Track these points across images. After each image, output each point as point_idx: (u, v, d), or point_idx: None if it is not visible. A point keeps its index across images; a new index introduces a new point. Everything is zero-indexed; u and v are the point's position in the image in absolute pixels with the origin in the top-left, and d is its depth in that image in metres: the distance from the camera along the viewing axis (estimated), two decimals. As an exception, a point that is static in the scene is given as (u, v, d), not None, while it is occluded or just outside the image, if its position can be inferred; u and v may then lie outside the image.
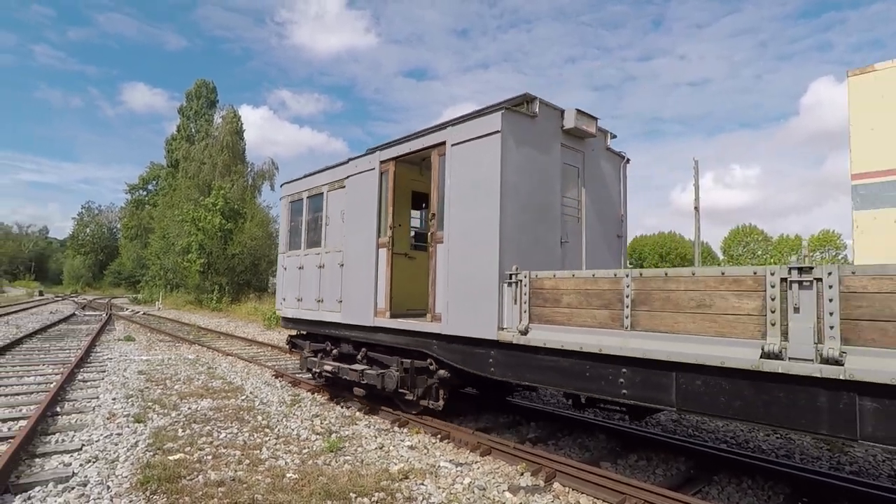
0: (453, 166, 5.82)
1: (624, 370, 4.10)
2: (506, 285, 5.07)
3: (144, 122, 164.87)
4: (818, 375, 3.06)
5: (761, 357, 3.29)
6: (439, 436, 5.99)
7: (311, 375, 8.61)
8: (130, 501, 3.95)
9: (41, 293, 56.91)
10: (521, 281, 4.93)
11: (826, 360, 3.05)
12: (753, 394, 3.40)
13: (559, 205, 5.97)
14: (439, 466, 5.01)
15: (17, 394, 7.45)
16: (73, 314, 25.04)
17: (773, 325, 3.29)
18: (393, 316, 6.60)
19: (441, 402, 6.27)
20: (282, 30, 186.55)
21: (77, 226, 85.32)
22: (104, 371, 9.51)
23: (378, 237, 6.86)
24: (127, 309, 33.35)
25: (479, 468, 5.05)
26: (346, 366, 7.25)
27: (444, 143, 5.98)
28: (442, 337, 5.81)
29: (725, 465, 5.09)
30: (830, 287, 3.08)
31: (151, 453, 5.05)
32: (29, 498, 3.97)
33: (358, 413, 7.06)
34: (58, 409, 6.60)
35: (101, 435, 5.57)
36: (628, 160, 7.14)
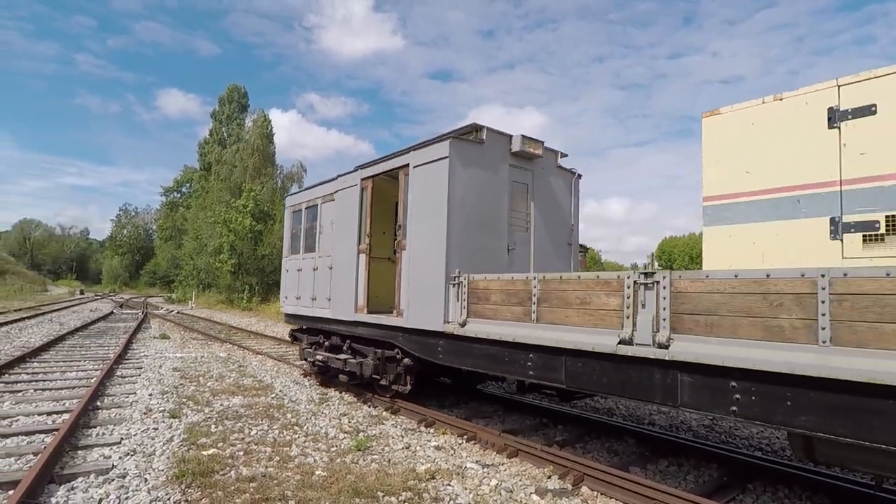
0: (414, 185, 6.74)
1: (531, 355, 5.01)
2: (451, 286, 6.00)
3: (178, 127, 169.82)
4: (653, 357, 3.91)
5: (618, 343, 4.14)
6: (465, 436, 6.00)
7: (309, 364, 9.47)
8: (167, 494, 4.08)
9: (82, 292, 59.19)
10: (461, 282, 5.87)
11: (659, 345, 3.88)
12: (615, 372, 4.27)
13: (506, 217, 6.78)
14: (466, 467, 5.02)
15: (61, 388, 7.77)
16: (112, 312, 25.96)
17: (628, 318, 4.15)
18: (370, 312, 7.55)
19: (409, 387, 7.12)
20: (310, 35, 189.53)
21: (115, 227, 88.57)
22: (141, 368, 9.83)
23: (359, 244, 7.84)
24: (162, 308, 34.39)
25: (505, 470, 5.04)
26: (333, 356, 8.30)
27: (408, 165, 6.88)
28: (404, 329, 6.74)
29: (760, 473, 4.95)
30: (664, 288, 3.92)
31: (186, 448, 5.19)
32: (72, 488, 4.13)
33: (385, 413, 7.12)
34: (98, 403, 6.86)
35: (139, 429, 5.76)
36: (579, 176, 7.81)
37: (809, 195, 4.25)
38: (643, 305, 4.09)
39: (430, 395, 8.44)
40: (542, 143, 7.02)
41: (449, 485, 4.55)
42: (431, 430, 6.37)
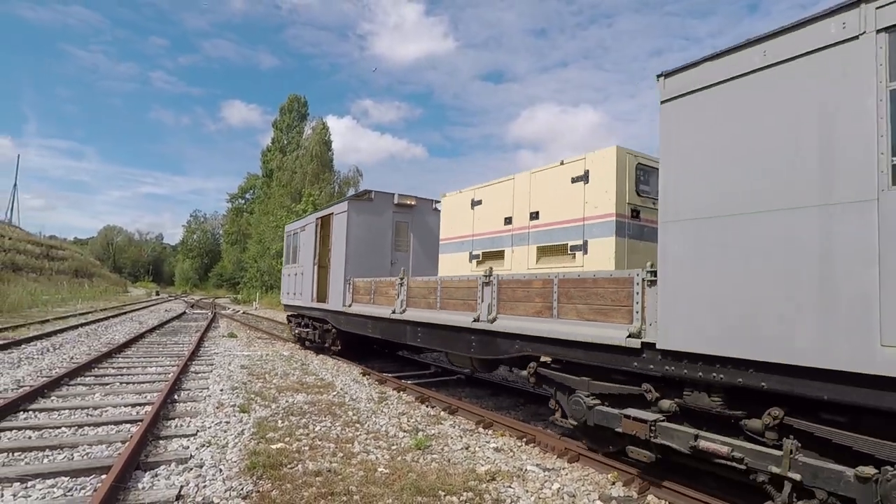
0: (334, 225, 11.36)
1: (369, 321, 9.54)
2: (347, 284, 10.54)
3: (240, 136, 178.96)
4: (399, 318, 8.34)
5: (392, 313, 8.50)
6: (525, 439, 5.93)
7: (295, 338, 14.81)
8: (240, 484, 4.28)
9: (157, 293, 63.43)
10: (350, 282, 10.47)
11: (401, 312, 8.28)
12: (392, 327, 8.73)
13: (390, 243, 11.26)
14: (526, 470, 4.96)
15: (142, 382, 8.35)
16: (184, 312, 27.60)
17: (396, 299, 8.52)
18: (318, 301, 12.08)
19: (339, 347, 11.75)
20: (363, 42, 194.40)
21: (186, 232, 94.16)
22: (212, 364, 10.39)
23: (314, 259, 12.47)
24: (229, 308, 36.21)
25: (567, 474, 4.94)
26: (304, 329, 13.53)
27: (332, 213, 11.60)
28: (330, 311, 11.37)
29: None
30: (404, 285, 8.35)
31: (256, 441, 5.44)
32: (156, 475, 4.42)
33: (443, 413, 7.17)
34: (175, 396, 7.31)
35: (213, 422, 6.08)
36: None
37: (465, 241, 8.11)
38: (399, 294, 8.45)
39: (484, 396, 8.46)
40: (416, 197, 11.46)
41: (510, 487, 4.51)
42: (490, 432, 6.34)
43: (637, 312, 4.38)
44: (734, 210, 3.65)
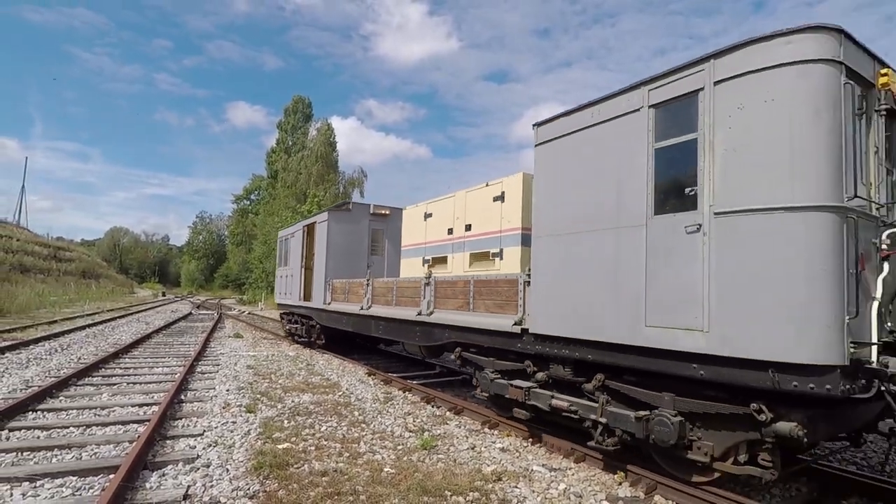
0: (316, 233, 12.92)
1: (344, 317, 10.98)
2: (327, 284, 12.03)
3: (245, 137, 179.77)
4: (367, 314, 9.76)
5: (360, 309, 9.93)
6: (531, 439, 5.92)
7: (286, 333, 16.28)
8: (247, 484, 4.29)
9: (164, 294, 63.70)
10: (329, 283, 11.98)
11: (368, 308, 9.71)
12: (361, 321, 10.18)
13: (367, 248, 12.66)
14: (532, 470, 4.95)
15: (149, 382, 8.39)
16: (190, 313, 27.71)
17: (364, 298, 9.95)
18: (304, 300, 13.64)
19: (323, 341, 13.09)
20: (367, 43, 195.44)
21: (192, 233, 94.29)
22: (218, 365, 10.43)
23: (301, 262, 14.00)
24: (234, 309, 36.32)
25: (573, 475, 4.93)
26: (293, 325, 15.05)
27: (315, 222, 13.18)
28: (313, 308, 12.91)
29: (858, 489, 4.55)
30: (370, 285, 9.88)
31: (262, 441, 5.45)
32: (163, 475, 4.44)
33: (448, 413, 7.16)
34: (182, 397, 7.33)
35: (219, 422, 6.10)
36: None
37: (419, 247, 9.29)
38: (367, 293, 9.69)
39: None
40: (390, 207, 12.77)
41: (516, 487, 4.50)
42: (496, 432, 6.34)
43: (520, 305, 5.76)
44: (572, 229, 5.05)
